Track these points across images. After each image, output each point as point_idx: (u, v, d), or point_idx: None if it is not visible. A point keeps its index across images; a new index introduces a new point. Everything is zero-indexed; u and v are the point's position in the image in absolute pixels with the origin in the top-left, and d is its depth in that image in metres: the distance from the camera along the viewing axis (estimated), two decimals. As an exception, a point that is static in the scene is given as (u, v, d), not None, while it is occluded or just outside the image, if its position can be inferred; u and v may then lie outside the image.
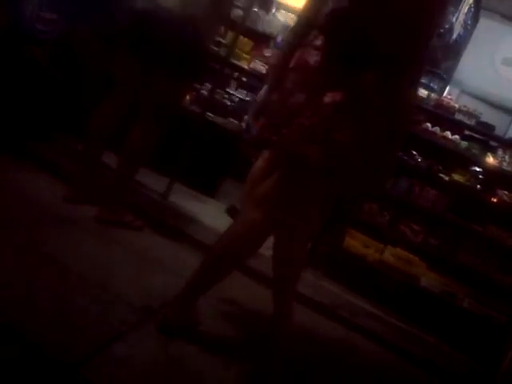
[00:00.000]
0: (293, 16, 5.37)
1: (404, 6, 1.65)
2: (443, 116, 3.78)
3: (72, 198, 2.70)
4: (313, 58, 1.71)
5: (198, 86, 4.10)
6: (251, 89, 4.80)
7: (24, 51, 3.24)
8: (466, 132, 3.89)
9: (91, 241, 2.42)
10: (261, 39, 4.62)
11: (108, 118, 2.73)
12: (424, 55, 1.70)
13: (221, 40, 4.14)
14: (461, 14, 5.30)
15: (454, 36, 5.35)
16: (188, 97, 3.95)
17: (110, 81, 2.76)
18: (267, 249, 3.18)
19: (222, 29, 4.20)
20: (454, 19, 5.08)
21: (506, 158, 3.71)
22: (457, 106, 3.90)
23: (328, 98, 1.67)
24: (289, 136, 1.73)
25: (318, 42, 1.72)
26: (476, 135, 3.88)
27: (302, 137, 1.70)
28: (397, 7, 1.64)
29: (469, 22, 5.82)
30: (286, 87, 1.77)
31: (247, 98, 4.69)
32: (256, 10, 4.61)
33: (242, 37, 4.10)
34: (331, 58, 1.69)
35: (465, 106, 3.91)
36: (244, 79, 4.81)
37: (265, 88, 1.96)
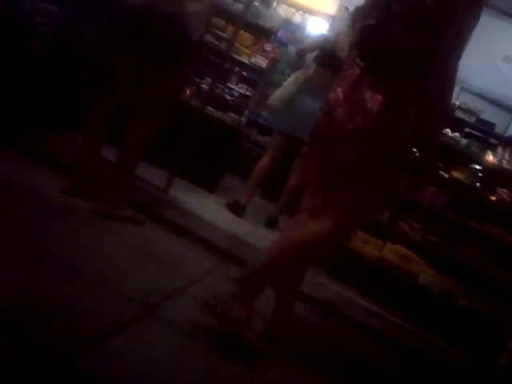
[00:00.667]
0: (293, 10, 5.37)
1: (430, 19, 1.77)
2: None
3: (70, 190, 2.69)
4: (354, 71, 1.87)
5: (199, 80, 4.08)
6: (251, 83, 4.78)
7: (23, 43, 3.22)
8: (466, 129, 3.88)
9: (90, 234, 2.42)
10: (261, 34, 4.59)
11: (107, 112, 2.72)
12: (453, 64, 1.81)
13: (221, 34, 4.12)
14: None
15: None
16: (188, 91, 3.93)
17: (109, 74, 2.75)
18: (264, 243, 3.19)
19: (222, 23, 4.18)
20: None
21: (506, 156, 3.70)
22: (457, 103, 3.89)
23: (368, 104, 1.80)
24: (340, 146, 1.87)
25: (356, 58, 1.88)
26: (476, 133, 3.87)
27: (348, 142, 1.84)
28: (423, 21, 1.78)
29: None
30: (332, 98, 1.92)
31: (247, 93, 4.66)
32: (257, 4, 4.59)
33: (242, 31, 4.09)
34: (368, 70, 1.85)
35: (465, 104, 3.91)
36: (244, 74, 4.78)
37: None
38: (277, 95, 3.68)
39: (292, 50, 5.08)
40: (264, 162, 3.69)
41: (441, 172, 3.66)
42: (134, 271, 2.20)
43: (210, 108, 3.85)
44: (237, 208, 3.62)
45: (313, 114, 3.47)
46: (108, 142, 2.83)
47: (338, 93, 1.90)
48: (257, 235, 3.32)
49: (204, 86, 4.06)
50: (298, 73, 3.68)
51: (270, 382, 1.89)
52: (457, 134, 3.77)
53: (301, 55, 3.79)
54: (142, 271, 2.24)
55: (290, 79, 3.70)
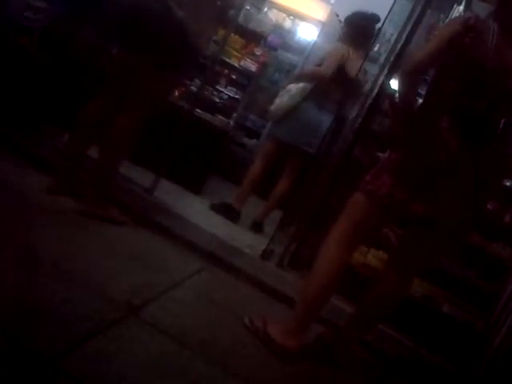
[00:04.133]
0: (284, 15, 5.39)
1: None
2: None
3: (56, 189, 2.67)
4: (450, 139, 1.95)
5: (188, 82, 4.08)
6: (241, 86, 4.80)
7: (12, 40, 3.19)
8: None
9: (74, 234, 2.40)
10: (252, 38, 4.62)
11: (96, 112, 2.70)
12: None
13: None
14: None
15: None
16: (177, 92, 3.93)
17: (100, 72, 2.74)
18: (249, 247, 3.20)
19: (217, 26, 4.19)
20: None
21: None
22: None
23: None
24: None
25: (444, 124, 1.95)
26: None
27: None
28: None
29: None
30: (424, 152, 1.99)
31: (236, 96, 4.68)
32: (248, 8, 4.61)
33: (233, 34, 4.10)
34: (462, 138, 1.95)
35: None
36: (234, 77, 4.80)
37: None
38: (284, 104, 3.51)
39: (282, 54, 5.10)
40: (258, 168, 3.65)
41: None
42: (118, 272, 2.19)
43: (198, 110, 3.85)
44: (232, 213, 3.61)
45: (317, 126, 3.49)
46: (96, 142, 2.81)
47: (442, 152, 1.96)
48: (242, 238, 3.32)
49: (193, 88, 4.06)
50: (304, 85, 3.50)
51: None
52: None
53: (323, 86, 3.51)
54: (126, 273, 2.23)
55: (297, 90, 3.50)
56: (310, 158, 3.49)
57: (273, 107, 3.59)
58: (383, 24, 3.38)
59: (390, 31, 3.46)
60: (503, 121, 2.00)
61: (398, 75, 2.29)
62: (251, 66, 4.51)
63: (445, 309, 3.34)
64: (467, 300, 3.38)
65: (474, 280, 3.44)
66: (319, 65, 3.51)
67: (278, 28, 5.16)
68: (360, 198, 2.10)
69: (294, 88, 3.51)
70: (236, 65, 4.53)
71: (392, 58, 2.94)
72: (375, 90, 2.97)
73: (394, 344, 2.96)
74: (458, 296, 3.40)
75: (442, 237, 2.12)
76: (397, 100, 2.28)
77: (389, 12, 3.22)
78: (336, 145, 3.06)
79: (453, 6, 3.31)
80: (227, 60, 4.44)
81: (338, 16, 4.76)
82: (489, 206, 3.58)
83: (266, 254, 3.11)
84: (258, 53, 4.58)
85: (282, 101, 3.52)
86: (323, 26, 5.03)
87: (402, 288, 2.26)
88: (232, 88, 4.76)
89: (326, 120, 3.47)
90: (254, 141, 5.14)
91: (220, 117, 4.13)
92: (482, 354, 2.86)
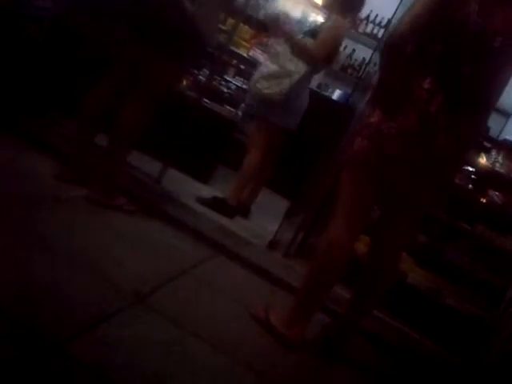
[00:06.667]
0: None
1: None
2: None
3: (64, 176, 2.68)
4: (430, 101, 1.92)
5: (196, 72, 4.07)
6: (249, 77, 4.77)
7: (21, 28, 3.19)
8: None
9: (82, 222, 2.41)
10: (261, 27, 4.58)
11: (103, 99, 2.71)
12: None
13: (221, 26, 4.11)
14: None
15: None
16: (185, 82, 3.92)
17: (107, 60, 2.74)
18: (256, 236, 3.20)
19: (223, 15, 4.16)
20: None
21: (499, 159, 3.72)
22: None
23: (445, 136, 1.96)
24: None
25: (427, 85, 1.92)
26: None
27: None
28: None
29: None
30: (403, 118, 1.95)
31: (244, 86, 4.66)
32: (257, -3, 4.58)
33: (242, 24, 4.08)
34: (443, 102, 1.92)
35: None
36: (242, 67, 4.77)
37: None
38: (288, 89, 3.28)
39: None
40: (258, 158, 3.40)
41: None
42: (125, 260, 2.21)
43: (206, 100, 3.84)
44: (228, 210, 3.37)
45: (304, 107, 3.44)
46: (104, 130, 2.81)
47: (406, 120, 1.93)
48: (249, 228, 3.32)
49: (201, 78, 4.05)
50: (305, 71, 3.32)
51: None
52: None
53: None
54: (133, 261, 2.24)
55: (301, 76, 3.31)
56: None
57: (281, 91, 3.26)
58: (392, 17, 3.36)
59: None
60: (486, 87, 1.98)
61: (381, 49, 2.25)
62: (260, 56, 4.47)
63: (451, 301, 3.34)
64: (474, 293, 3.37)
65: (482, 273, 3.43)
66: (308, 34, 3.36)
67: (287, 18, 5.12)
68: (344, 175, 2.10)
69: (297, 74, 3.28)
70: (245, 55, 4.50)
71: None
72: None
73: (398, 335, 2.96)
74: (465, 289, 3.39)
75: (414, 206, 2.17)
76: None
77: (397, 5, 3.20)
78: (345, 135, 3.05)
79: None
80: (236, 50, 4.41)
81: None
82: (497, 200, 3.57)
83: (272, 244, 3.12)
84: (266, 43, 4.55)
85: (289, 83, 3.27)
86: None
87: (387, 267, 2.26)
88: (240, 78, 4.74)
89: (307, 97, 3.45)
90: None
91: (227, 107, 4.12)
92: (488, 347, 2.86)
